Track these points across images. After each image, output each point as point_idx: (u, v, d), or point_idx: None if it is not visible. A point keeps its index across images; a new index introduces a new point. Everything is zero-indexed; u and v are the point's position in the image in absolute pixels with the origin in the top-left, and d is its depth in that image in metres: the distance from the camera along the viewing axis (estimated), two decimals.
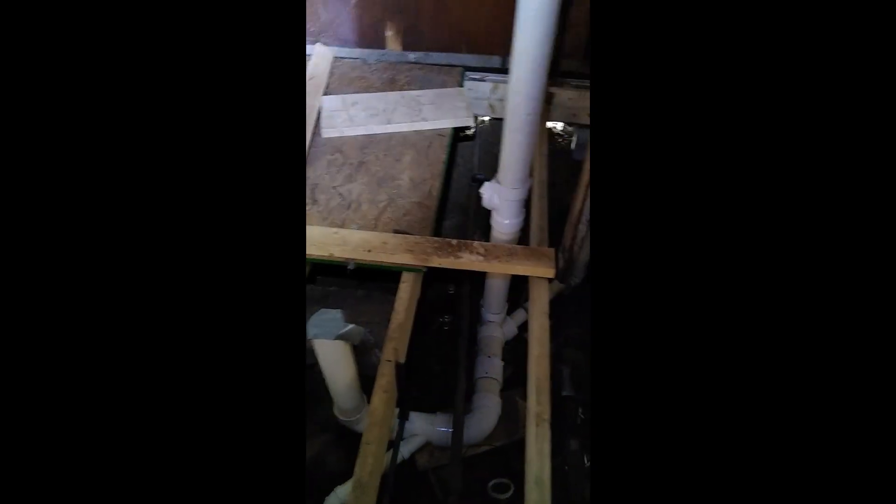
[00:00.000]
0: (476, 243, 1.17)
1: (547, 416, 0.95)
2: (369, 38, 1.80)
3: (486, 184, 1.15)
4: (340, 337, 0.94)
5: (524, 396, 1.46)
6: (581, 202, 1.01)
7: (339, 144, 1.49)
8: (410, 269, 1.19)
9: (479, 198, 1.21)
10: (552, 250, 1.17)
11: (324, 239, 1.18)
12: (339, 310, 0.96)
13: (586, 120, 1.77)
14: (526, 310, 1.52)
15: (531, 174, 1.12)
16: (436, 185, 1.39)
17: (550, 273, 1.15)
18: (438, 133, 1.53)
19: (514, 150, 1.02)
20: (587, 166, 0.97)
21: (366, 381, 1.12)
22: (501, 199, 1.11)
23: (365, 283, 1.39)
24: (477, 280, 1.38)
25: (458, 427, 1.15)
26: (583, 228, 1.05)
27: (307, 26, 1.79)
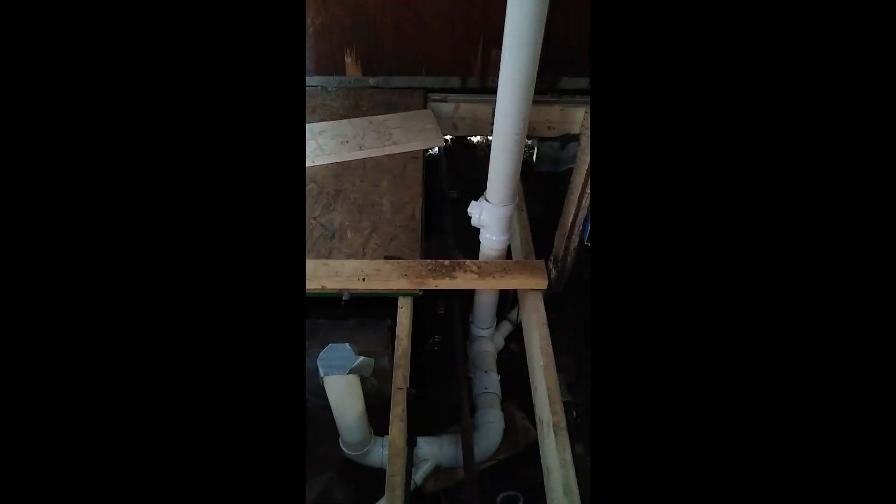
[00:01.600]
0: (469, 262, 1.19)
1: (563, 423, 0.97)
2: (328, 64, 1.79)
3: (474, 203, 1.17)
4: (353, 370, 0.93)
5: (520, 407, 1.48)
6: (573, 214, 1.06)
7: (311, 175, 1.47)
8: (407, 293, 1.19)
9: (455, 215, 1.23)
10: (542, 262, 1.21)
11: (315, 271, 1.16)
12: (347, 344, 0.95)
13: (545, 133, 1.85)
14: (510, 321, 1.55)
15: None
16: (417, 206, 1.40)
17: (543, 285, 1.19)
18: (411, 155, 1.54)
19: (502, 169, 1.05)
20: (578, 180, 1.02)
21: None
22: (491, 216, 1.14)
23: (357, 313, 1.37)
24: (466, 296, 1.39)
25: (468, 447, 1.15)
26: (575, 239, 1.10)
27: None
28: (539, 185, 1.89)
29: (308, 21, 1.70)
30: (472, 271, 1.17)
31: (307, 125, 1.60)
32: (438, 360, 1.53)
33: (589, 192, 1.01)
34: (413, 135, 1.58)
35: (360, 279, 1.16)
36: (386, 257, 1.22)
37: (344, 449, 1.15)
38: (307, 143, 1.54)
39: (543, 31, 0.84)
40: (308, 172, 1.47)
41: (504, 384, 1.43)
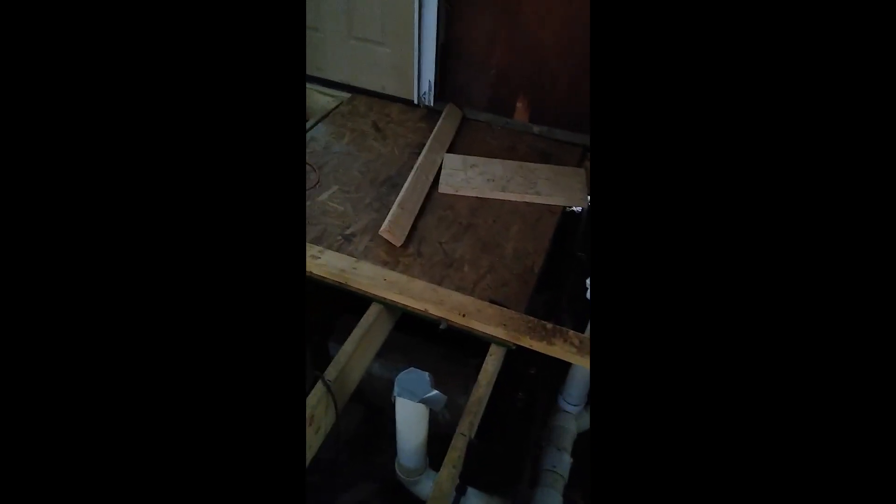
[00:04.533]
0: (572, 333, 1.14)
1: None
2: (499, 105, 1.87)
3: None
4: (424, 401, 0.94)
5: (585, 497, 1.36)
6: None
7: (452, 202, 1.54)
8: (500, 343, 1.17)
9: (577, 278, 1.19)
10: None
11: (423, 294, 1.21)
12: (427, 373, 0.97)
13: None
14: None
15: None
16: (538, 261, 1.38)
17: None
18: (550, 209, 1.53)
19: None
20: None
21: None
22: None
23: (447, 343, 1.40)
24: (561, 364, 1.33)
25: None
26: None
27: (442, 87, 1.90)
28: None
29: (492, 62, 1.80)
30: (572, 343, 1.12)
31: (462, 156, 1.69)
32: (517, 421, 1.48)
33: None
34: (558, 189, 1.57)
35: (461, 314, 1.18)
36: (491, 300, 1.23)
37: (398, 471, 1.17)
38: (458, 172, 1.62)
39: None
40: (449, 200, 1.54)
41: (576, 470, 1.33)
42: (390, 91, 1.97)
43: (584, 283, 1.13)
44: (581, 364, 1.14)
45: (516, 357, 1.26)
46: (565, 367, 1.33)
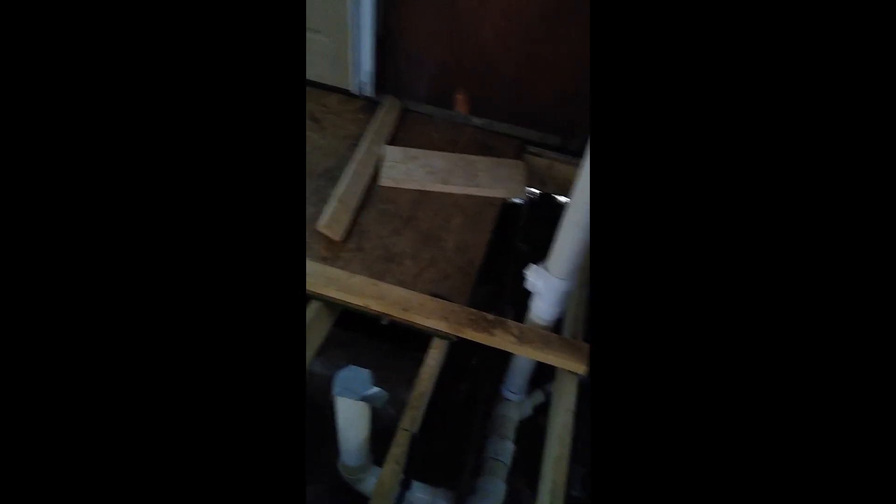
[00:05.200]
0: (512, 323, 1.16)
1: None
2: (440, 97, 1.86)
3: (534, 267, 1.14)
4: (365, 399, 0.93)
5: (529, 484, 1.40)
6: None
7: (393, 195, 1.52)
8: (442, 336, 1.18)
9: (518, 268, 1.21)
10: (587, 346, 1.15)
11: (363, 289, 1.19)
12: (367, 370, 0.95)
13: None
14: (545, 392, 1.48)
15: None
16: (479, 253, 1.39)
17: (582, 369, 1.13)
18: (490, 202, 1.55)
19: (570, 243, 1.02)
20: None
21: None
22: (547, 286, 1.11)
23: (389, 338, 1.38)
24: (503, 354, 1.35)
25: None
26: None
27: (383, 78, 1.87)
28: None
29: (433, 56, 1.79)
30: (512, 333, 1.14)
31: (403, 149, 1.66)
32: (460, 412, 1.49)
33: None
34: (498, 182, 1.59)
35: (403, 308, 1.17)
36: (433, 294, 1.23)
37: (341, 470, 1.15)
38: (398, 165, 1.60)
39: None
40: (390, 193, 1.52)
41: (520, 457, 1.37)
42: (328, 81, 1.91)
43: (524, 274, 1.15)
44: (521, 353, 1.16)
45: (459, 349, 1.26)
46: (507, 356, 1.36)
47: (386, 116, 1.78)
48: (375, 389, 0.93)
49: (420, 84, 1.87)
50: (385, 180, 1.54)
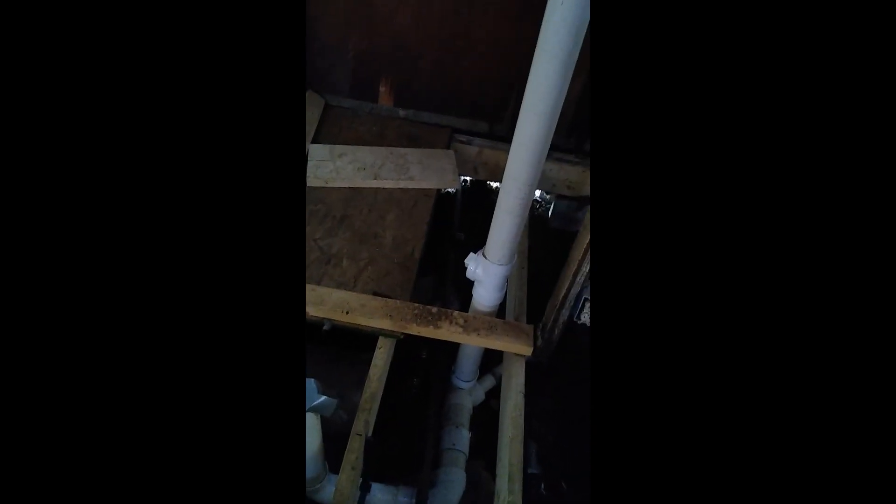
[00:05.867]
0: (456, 313, 1.17)
1: (519, 502, 0.93)
2: (362, 90, 1.82)
3: (472, 255, 1.15)
4: (313, 409, 0.90)
5: (488, 467, 1.43)
6: (568, 283, 1.03)
7: (322, 195, 1.47)
8: (388, 334, 1.16)
9: (458, 257, 1.21)
10: (531, 328, 1.18)
11: None
12: (312, 379, 0.92)
13: (564, 191, 1.83)
14: (495, 375, 1.51)
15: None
16: (418, 246, 1.38)
17: (528, 351, 1.15)
18: (424, 193, 1.54)
19: (504, 229, 1.03)
20: (575, 255, 1.00)
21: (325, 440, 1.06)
22: (486, 273, 1.12)
23: (334, 343, 1.35)
24: (451, 344, 1.36)
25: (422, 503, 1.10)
26: (565, 313, 1.07)
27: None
28: (553, 240, 1.87)
29: (350, 46, 1.74)
30: (457, 324, 1.15)
31: (329, 146, 1.61)
32: (414, 406, 1.49)
33: (586, 269, 0.98)
34: (430, 173, 1.58)
35: (344, 311, 1.14)
36: (375, 293, 1.21)
37: None
38: (326, 163, 1.55)
39: (561, 107, 0.84)
40: (319, 193, 1.47)
41: (477, 441, 1.39)
42: None
43: (464, 262, 1.16)
44: (468, 342, 1.17)
45: (408, 344, 1.25)
46: (455, 345, 1.36)
47: (306, 114, 1.71)
48: (323, 398, 0.91)
49: (339, 77, 1.82)
50: (313, 180, 1.49)
